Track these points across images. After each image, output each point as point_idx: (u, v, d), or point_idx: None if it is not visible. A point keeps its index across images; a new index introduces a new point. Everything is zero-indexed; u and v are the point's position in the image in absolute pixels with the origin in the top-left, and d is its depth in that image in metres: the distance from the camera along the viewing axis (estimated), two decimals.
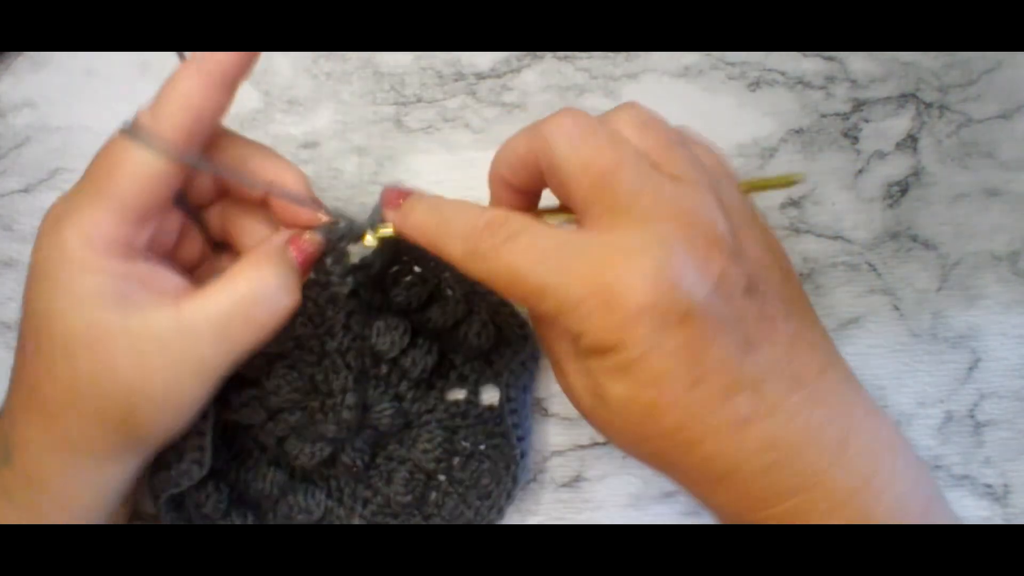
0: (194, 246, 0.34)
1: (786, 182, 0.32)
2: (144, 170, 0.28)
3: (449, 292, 0.36)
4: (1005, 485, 0.39)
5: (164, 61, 0.43)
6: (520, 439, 0.37)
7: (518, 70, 0.43)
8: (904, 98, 0.43)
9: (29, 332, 0.29)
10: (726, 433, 0.26)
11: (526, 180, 0.30)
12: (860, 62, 0.43)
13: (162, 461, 0.32)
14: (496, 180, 0.31)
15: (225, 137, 0.32)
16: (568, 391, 0.29)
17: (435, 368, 0.37)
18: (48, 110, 0.42)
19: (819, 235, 0.41)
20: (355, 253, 0.33)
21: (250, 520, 0.35)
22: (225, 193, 0.34)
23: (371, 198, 0.41)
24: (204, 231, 0.34)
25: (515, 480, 0.37)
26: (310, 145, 0.42)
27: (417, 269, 0.36)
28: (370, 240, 0.32)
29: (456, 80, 0.43)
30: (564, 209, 0.31)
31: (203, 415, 0.32)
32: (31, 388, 0.29)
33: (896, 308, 0.41)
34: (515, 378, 0.37)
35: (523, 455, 0.37)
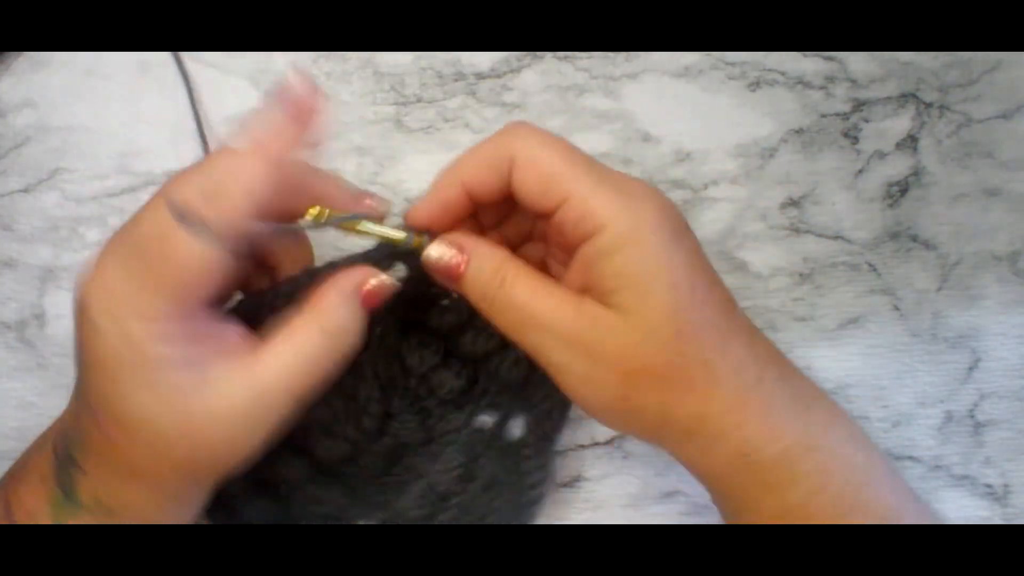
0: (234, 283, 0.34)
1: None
2: (203, 263, 0.28)
3: (481, 322, 0.35)
4: (1005, 485, 0.39)
5: (164, 61, 0.43)
6: (538, 483, 0.36)
7: (518, 70, 0.43)
8: (904, 98, 0.43)
9: (108, 415, 0.28)
10: (734, 374, 0.29)
11: (487, 186, 0.31)
12: (860, 62, 0.43)
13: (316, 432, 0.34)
14: (451, 183, 0.32)
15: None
16: (563, 379, 0.30)
17: (466, 391, 0.37)
18: (48, 110, 0.42)
19: (819, 235, 0.41)
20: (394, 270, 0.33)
21: (265, 505, 0.36)
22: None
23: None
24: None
25: (529, 519, 0.36)
26: (310, 145, 0.42)
27: (454, 295, 0.35)
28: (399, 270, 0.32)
29: (456, 80, 0.43)
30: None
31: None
32: (122, 461, 0.29)
33: (896, 308, 0.41)
34: (543, 420, 0.36)
35: (540, 498, 0.36)
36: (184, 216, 0.27)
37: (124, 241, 0.29)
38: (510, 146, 0.30)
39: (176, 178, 0.29)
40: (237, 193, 0.28)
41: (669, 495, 0.39)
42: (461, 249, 0.31)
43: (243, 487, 0.34)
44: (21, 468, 0.32)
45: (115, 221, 0.41)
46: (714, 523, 0.34)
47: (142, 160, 0.42)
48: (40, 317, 0.40)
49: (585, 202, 0.29)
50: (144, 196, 0.41)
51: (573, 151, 0.30)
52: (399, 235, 0.32)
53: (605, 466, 0.39)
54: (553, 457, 0.37)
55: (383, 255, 0.33)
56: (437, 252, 0.31)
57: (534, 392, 0.37)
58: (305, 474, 0.36)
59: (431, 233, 0.32)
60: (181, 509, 0.31)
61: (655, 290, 0.28)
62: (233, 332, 0.30)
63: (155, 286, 0.27)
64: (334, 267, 0.32)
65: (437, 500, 0.36)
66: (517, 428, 0.37)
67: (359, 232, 0.31)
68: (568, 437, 0.40)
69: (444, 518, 0.36)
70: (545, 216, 0.30)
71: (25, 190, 0.42)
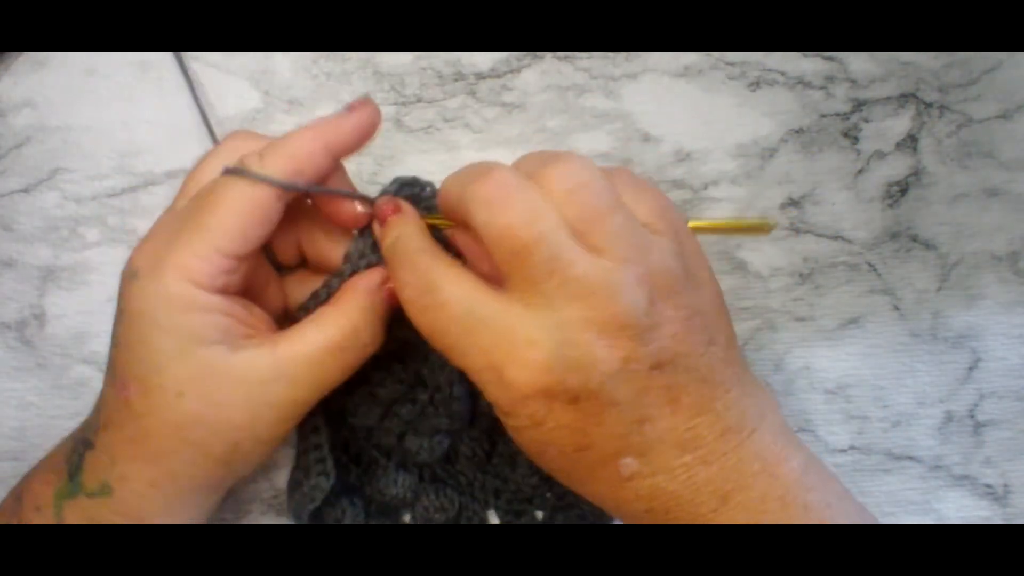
0: (276, 300, 0.35)
1: (759, 227, 0.32)
2: (245, 200, 0.29)
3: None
4: (1005, 485, 0.39)
5: (164, 61, 0.43)
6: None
7: (518, 70, 0.43)
8: (904, 98, 0.43)
9: (131, 376, 0.29)
10: (607, 485, 0.29)
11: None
12: (860, 62, 0.43)
13: (294, 484, 0.34)
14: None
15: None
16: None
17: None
18: (48, 110, 0.42)
19: (819, 235, 0.41)
20: None
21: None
22: (303, 260, 0.35)
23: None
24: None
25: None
26: None
27: None
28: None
29: (456, 80, 0.43)
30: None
31: (314, 429, 0.34)
32: (137, 428, 0.29)
33: (896, 308, 0.41)
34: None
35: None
36: (233, 169, 0.30)
37: (174, 210, 0.31)
38: (465, 212, 0.30)
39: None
40: (284, 151, 0.30)
41: None
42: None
43: (359, 519, 0.36)
44: (41, 462, 0.33)
45: (115, 221, 0.41)
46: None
47: (142, 160, 0.42)
48: (40, 317, 0.40)
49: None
50: (144, 196, 0.41)
51: (527, 241, 0.27)
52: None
53: None
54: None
55: None
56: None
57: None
58: (418, 488, 0.38)
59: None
60: (180, 494, 0.30)
61: None
62: (262, 315, 0.32)
63: (197, 234, 0.29)
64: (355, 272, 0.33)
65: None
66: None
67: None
68: None
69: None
70: None
71: (25, 190, 0.42)
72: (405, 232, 0.31)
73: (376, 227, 0.32)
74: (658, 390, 0.27)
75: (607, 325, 0.26)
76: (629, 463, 0.28)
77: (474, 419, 0.36)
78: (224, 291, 0.30)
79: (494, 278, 0.28)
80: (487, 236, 0.27)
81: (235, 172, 0.29)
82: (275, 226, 0.30)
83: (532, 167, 0.28)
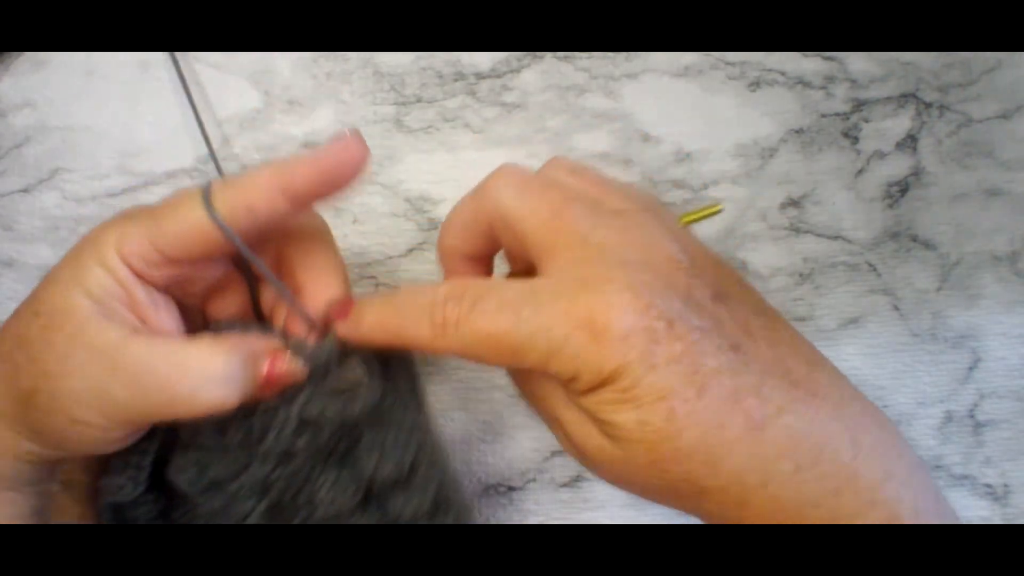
0: (231, 304, 0.33)
1: (712, 211, 0.34)
2: (191, 221, 0.29)
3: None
4: (1005, 485, 0.39)
5: (164, 61, 0.43)
6: None
7: (518, 70, 0.43)
8: (904, 98, 0.43)
9: (31, 299, 0.29)
10: (748, 441, 0.26)
11: (478, 245, 0.30)
12: (860, 62, 0.43)
13: (110, 467, 0.31)
14: (448, 252, 0.31)
15: (309, 237, 0.32)
16: (572, 444, 0.28)
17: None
18: (48, 110, 0.42)
19: (819, 235, 0.41)
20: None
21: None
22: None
23: (371, 197, 0.42)
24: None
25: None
26: (310, 145, 0.42)
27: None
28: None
29: (456, 80, 0.43)
30: (514, 275, 0.31)
31: (149, 435, 0.30)
32: (27, 392, 0.29)
33: (896, 308, 0.41)
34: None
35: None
36: (205, 188, 0.29)
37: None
38: (486, 207, 0.29)
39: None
40: (241, 188, 0.29)
41: None
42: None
43: (152, 518, 0.32)
44: None
45: None
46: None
47: (142, 160, 0.42)
48: None
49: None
50: (144, 196, 0.41)
51: (557, 205, 0.28)
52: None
53: None
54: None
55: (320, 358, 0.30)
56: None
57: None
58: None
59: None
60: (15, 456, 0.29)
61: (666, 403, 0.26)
62: (167, 315, 0.31)
63: (144, 221, 0.29)
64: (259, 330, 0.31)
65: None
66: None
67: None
68: None
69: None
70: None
71: (25, 190, 0.42)
72: (377, 297, 0.30)
73: (341, 326, 0.30)
74: (729, 320, 0.27)
75: (660, 262, 0.27)
76: (752, 404, 0.25)
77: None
78: (142, 274, 0.29)
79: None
80: (520, 215, 0.28)
81: (203, 194, 0.29)
82: (217, 253, 0.29)
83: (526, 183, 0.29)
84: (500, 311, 0.26)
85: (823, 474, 0.26)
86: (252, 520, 0.30)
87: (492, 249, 0.31)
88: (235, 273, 0.33)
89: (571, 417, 0.28)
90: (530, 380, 0.29)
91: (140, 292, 0.30)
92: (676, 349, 0.25)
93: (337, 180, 0.29)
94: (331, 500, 0.30)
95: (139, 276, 0.29)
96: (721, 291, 0.27)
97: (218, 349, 0.29)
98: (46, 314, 0.29)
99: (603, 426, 0.26)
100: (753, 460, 0.26)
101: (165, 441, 0.31)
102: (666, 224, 0.28)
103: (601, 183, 0.29)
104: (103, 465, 0.32)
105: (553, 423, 0.29)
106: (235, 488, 0.30)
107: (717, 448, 0.26)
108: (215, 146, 0.42)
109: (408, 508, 0.31)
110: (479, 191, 0.29)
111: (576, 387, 0.26)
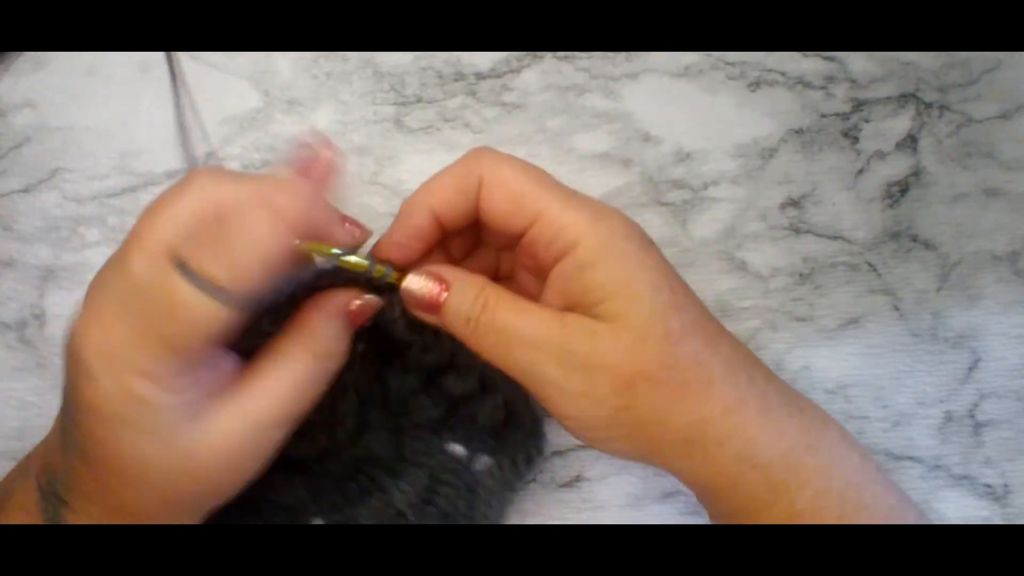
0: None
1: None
2: (210, 321, 0.27)
3: (463, 363, 0.35)
4: (1005, 485, 0.39)
5: (164, 61, 0.43)
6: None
7: (518, 70, 0.43)
8: (904, 98, 0.43)
9: (110, 470, 0.28)
10: (728, 373, 0.29)
11: (456, 210, 0.31)
12: (860, 62, 0.43)
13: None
14: (420, 208, 0.31)
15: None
16: (557, 401, 0.30)
17: (442, 420, 0.36)
18: (48, 110, 0.42)
19: (819, 235, 0.41)
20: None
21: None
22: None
23: (371, 198, 0.42)
24: None
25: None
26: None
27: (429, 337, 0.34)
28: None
29: (456, 80, 0.43)
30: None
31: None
32: (118, 501, 0.28)
33: (896, 308, 0.41)
34: (509, 468, 0.36)
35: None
36: (192, 275, 0.26)
37: (118, 288, 0.27)
38: (477, 168, 0.30)
39: (166, 222, 0.27)
40: (254, 261, 0.27)
41: (669, 495, 0.39)
42: (440, 279, 0.30)
43: None
44: (5, 491, 0.32)
45: (115, 221, 0.41)
46: (714, 523, 0.34)
47: (142, 160, 0.42)
48: (40, 317, 0.40)
49: (558, 218, 0.29)
50: (144, 196, 0.41)
51: (539, 172, 0.31)
52: (379, 268, 0.31)
53: (605, 466, 0.39)
54: (509, 503, 0.37)
55: (360, 284, 0.32)
56: (417, 284, 0.31)
57: (506, 440, 0.37)
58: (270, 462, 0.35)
59: (402, 268, 0.31)
60: None
61: (640, 294, 0.29)
62: (226, 365, 0.30)
63: (158, 344, 0.26)
64: (314, 290, 0.32)
65: (393, 516, 0.35)
66: (483, 466, 0.37)
67: (338, 262, 0.30)
68: (568, 437, 0.40)
69: None
70: (515, 237, 0.31)
71: (25, 190, 0.42)
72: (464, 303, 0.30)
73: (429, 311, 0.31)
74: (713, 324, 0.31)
75: (635, 228, 0.31)
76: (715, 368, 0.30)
77: (351, 447, 0.35)
78: (188, 370, 0.28)
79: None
80: (515, 172, 0.30)
81: (192, 281, 0.26)
82: (243, 324, 0.28)
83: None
84: (512, 314, 0.30)
85: (795, 430, 0.30)
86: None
87: (462, 221, 0.31)
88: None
89: (556, 374, 0.29)
90: (513, 350, 0.30)
91: (197, 372, 0.28)
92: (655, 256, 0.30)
93: (324, 190, 0.29)
94: (401, 383, 0.35)
95: (186, 372, 0.27)
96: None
97: (311, 342, 0.30)
98: (172, 473, 0.28)
99: (592, 308, 0.29)
100: (729, 390, 0.29)
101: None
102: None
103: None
104: None
105: (538, 383, 0.30)
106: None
107: (684, 387, 0.29)
108: (215, 146, 0.42)
109: (459, 387, 0.35)
110: (466, 160, 0.31)
111: (574, 256, 0.29)
